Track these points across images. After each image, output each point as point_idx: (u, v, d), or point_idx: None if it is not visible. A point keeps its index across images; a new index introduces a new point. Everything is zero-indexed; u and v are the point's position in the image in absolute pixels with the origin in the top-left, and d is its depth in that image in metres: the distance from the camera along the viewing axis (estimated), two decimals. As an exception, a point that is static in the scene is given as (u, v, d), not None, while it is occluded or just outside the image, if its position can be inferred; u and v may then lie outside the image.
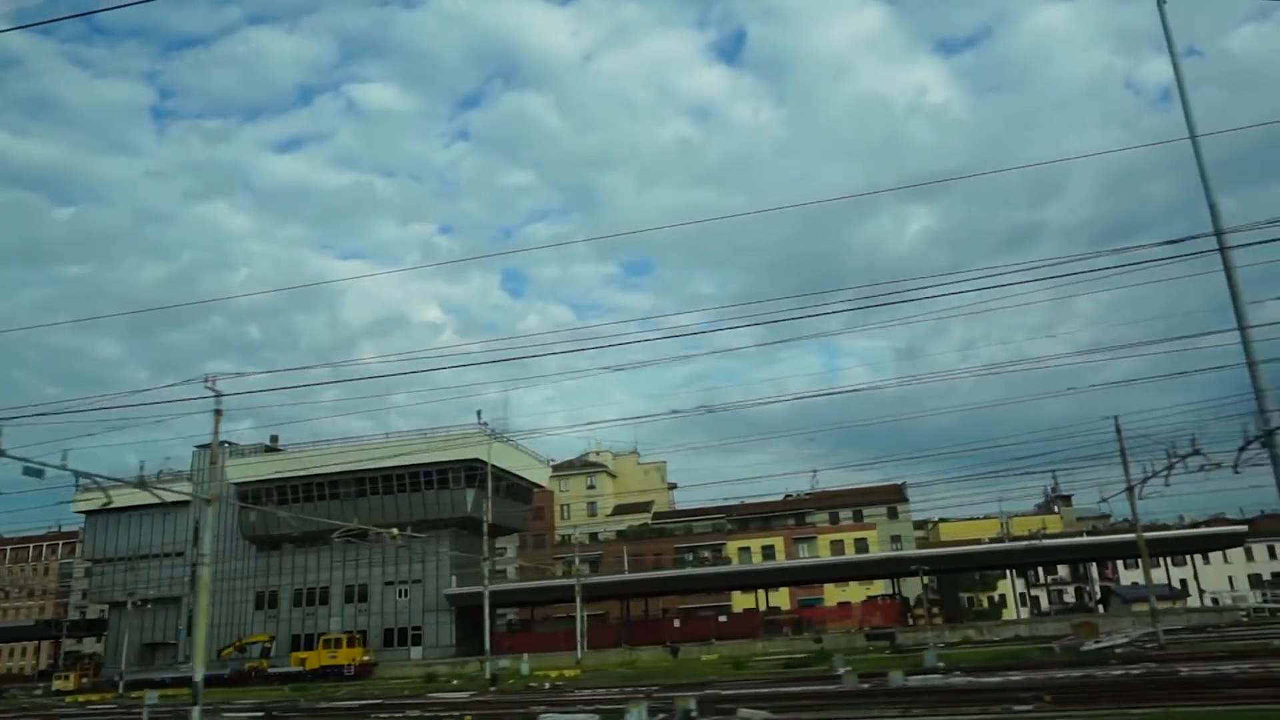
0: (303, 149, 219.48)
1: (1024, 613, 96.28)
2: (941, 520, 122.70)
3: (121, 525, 71.07)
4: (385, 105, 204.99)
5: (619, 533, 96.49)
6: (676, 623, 59.51)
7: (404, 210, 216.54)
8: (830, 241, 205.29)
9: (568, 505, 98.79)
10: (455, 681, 44.97)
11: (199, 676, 22.59)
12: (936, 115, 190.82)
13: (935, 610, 58.19)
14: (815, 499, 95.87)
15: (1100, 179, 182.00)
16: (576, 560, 66.62)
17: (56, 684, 66.90)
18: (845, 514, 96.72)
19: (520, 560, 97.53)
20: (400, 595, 64.75)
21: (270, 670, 59.65)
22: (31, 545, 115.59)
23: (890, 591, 66.32)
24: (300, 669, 58.56)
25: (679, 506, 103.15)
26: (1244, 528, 59.33)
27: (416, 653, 62.41)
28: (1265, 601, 56.99)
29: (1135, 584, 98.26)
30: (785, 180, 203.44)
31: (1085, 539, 61.44)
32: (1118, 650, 32.62)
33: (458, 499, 63.31)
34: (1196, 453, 25.05)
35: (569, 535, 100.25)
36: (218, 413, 24.66)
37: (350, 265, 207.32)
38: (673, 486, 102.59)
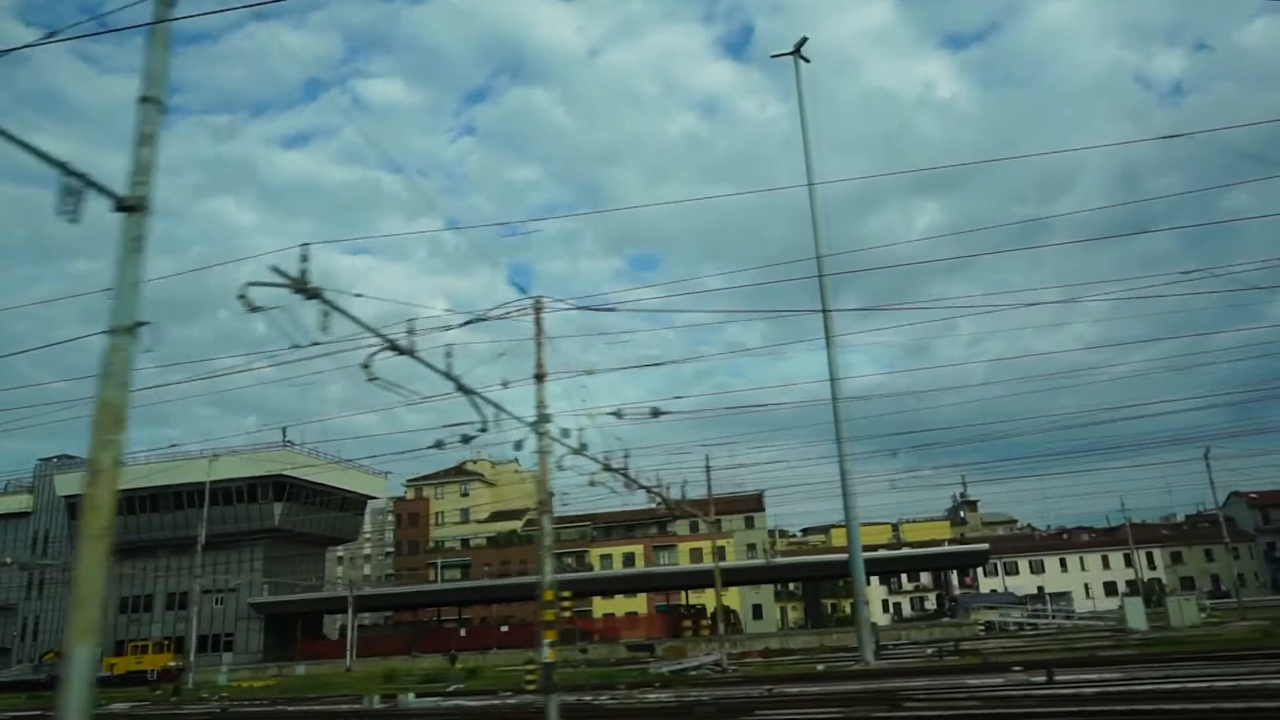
0: (309, 144, 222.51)
1: (885, 619, 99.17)
2: (834, 526, 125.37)
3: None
4: (392, 100, 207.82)
5: (489, 539, 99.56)
6: (463, 632, 62.53)
7: (411, 205, 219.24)
8: (837, 236, 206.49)
9: (442, 513, 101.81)
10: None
11: None
12: (944, 110, 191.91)
13: (704, 623, 60.90)
14: (678, 508, 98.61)
15: (1109, 174, 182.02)
16: (368, 570, 69.40)
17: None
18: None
19: (400, 565, 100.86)
20: (216, 603, 67.95)
21: (84, 675, 62.87)
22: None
23: (684, 604, 69.05)
24: (109, 674, 61.73)
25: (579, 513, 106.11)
26: (985, 546, 61.75)
27: (228, 658, 65.57)
28: (1029, 615, 59.20)
29: (994, 591, 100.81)
30: (793, 174, 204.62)
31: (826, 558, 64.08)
32: (691, 673, 35.31)
33: (266, 512, 66.42)
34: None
35: (441, 542, 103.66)
36: None
37: (358, 261, 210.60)
38: (550, 495, 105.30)
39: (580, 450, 21.64)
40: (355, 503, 76.54)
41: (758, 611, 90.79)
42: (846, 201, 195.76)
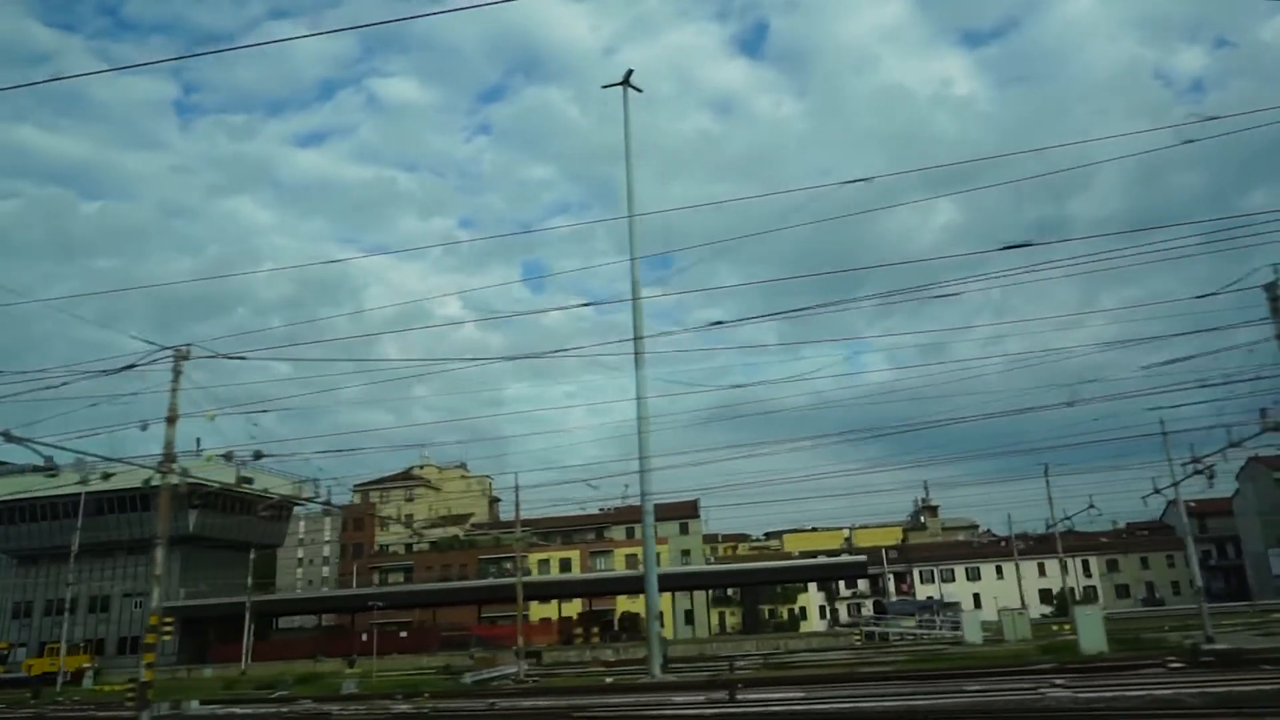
0: (325, 143, 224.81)
1: (822, 625, 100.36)
2: (788, 531, 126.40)
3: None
4: (406, 99, 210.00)
5: (432, 544, 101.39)
6: (364, 636, 64.23)
7: (426, 204, 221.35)
8: (853, 235, 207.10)
9: (388, 518, 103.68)
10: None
11: None
12: (961, 107, 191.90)
13: (595, 630, 62.34)
14: (623, 514, 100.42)
15: (1128, 171, 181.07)
16: (305, 576, 71.23)
17: None
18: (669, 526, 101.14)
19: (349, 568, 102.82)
20: (135, 606, 70.04)
21: (4, 676, 65.15)
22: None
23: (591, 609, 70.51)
24: (26, 674, 63.97)
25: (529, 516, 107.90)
26: (863, 558, 62.86)
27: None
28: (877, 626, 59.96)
29: (930, 598, 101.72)
30: (807, 173, 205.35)
31: (737, 566, 65.28)
32: (493, 682, 36.83)
33: (181, 519, 68.34)
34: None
35: (386, 546, 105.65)
36: None
37: (373, 259, 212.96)
38: (496, 500, 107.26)
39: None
40: (279, 509, 78.25)
41: (689, 617, 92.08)
42: (861, 200, 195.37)
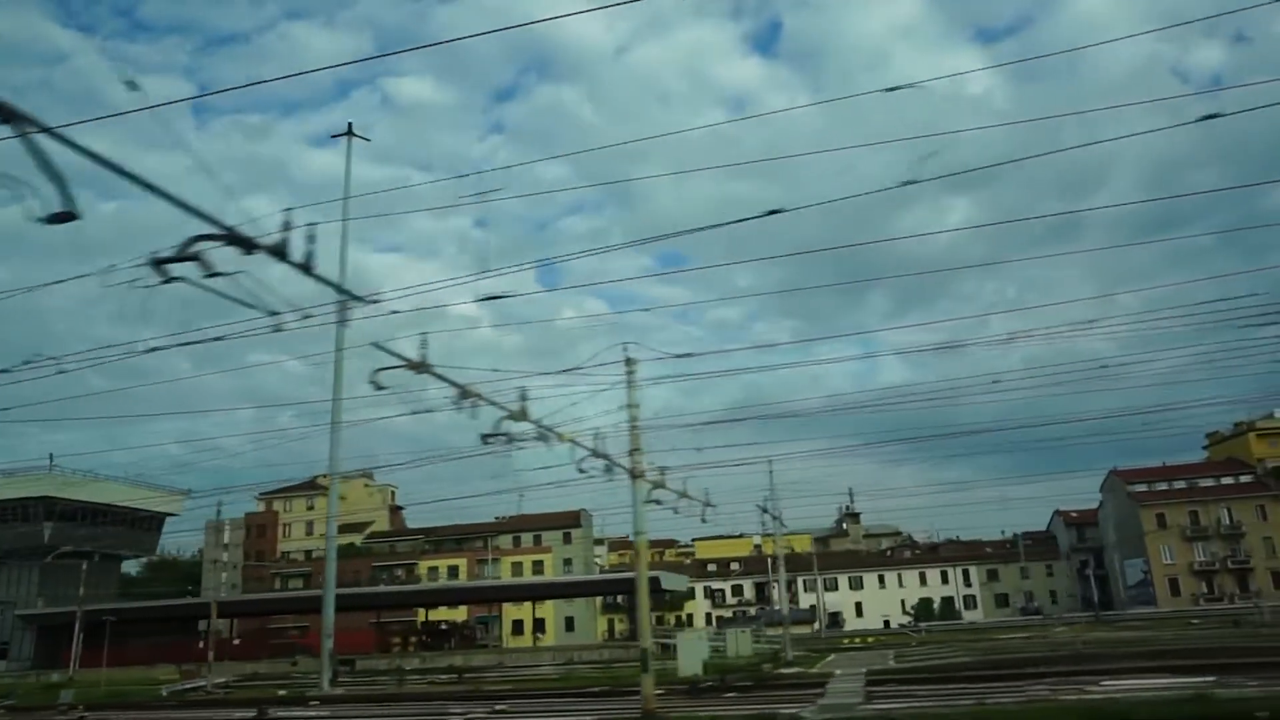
0: (340, 142, 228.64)
1: (709, 630, 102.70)
2: (698, 540, 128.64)
3: None
4: (421, 99, 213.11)
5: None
6: (200, 644, 67.27)
7: (439, 203, 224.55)
8: (868, 233, 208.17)
9: (289, 525, 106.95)
10: None
11: None
12: (976, 105, 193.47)
13: (413, 639, 65.00)
14: (510, 523, 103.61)
15: (1143, 169, 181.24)
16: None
17: None
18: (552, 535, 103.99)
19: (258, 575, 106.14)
20: (-2, 615, 73.53)
21: None
22: None
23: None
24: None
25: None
26: (655, 574, 65.15)
27: (2, 665, 71.04)
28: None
29: (811, 606, 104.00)
30: (822, 171, 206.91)
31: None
32: (191, 694, 39.60)
33: (36, 531, 71.79)
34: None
35: (288, 553, 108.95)
36: None
37: (387, 259, 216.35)
38: (399, 508, 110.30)
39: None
40: (149, 520, 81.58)
41: (570, 624, 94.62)
42: (875, 199, 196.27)
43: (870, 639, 61.95)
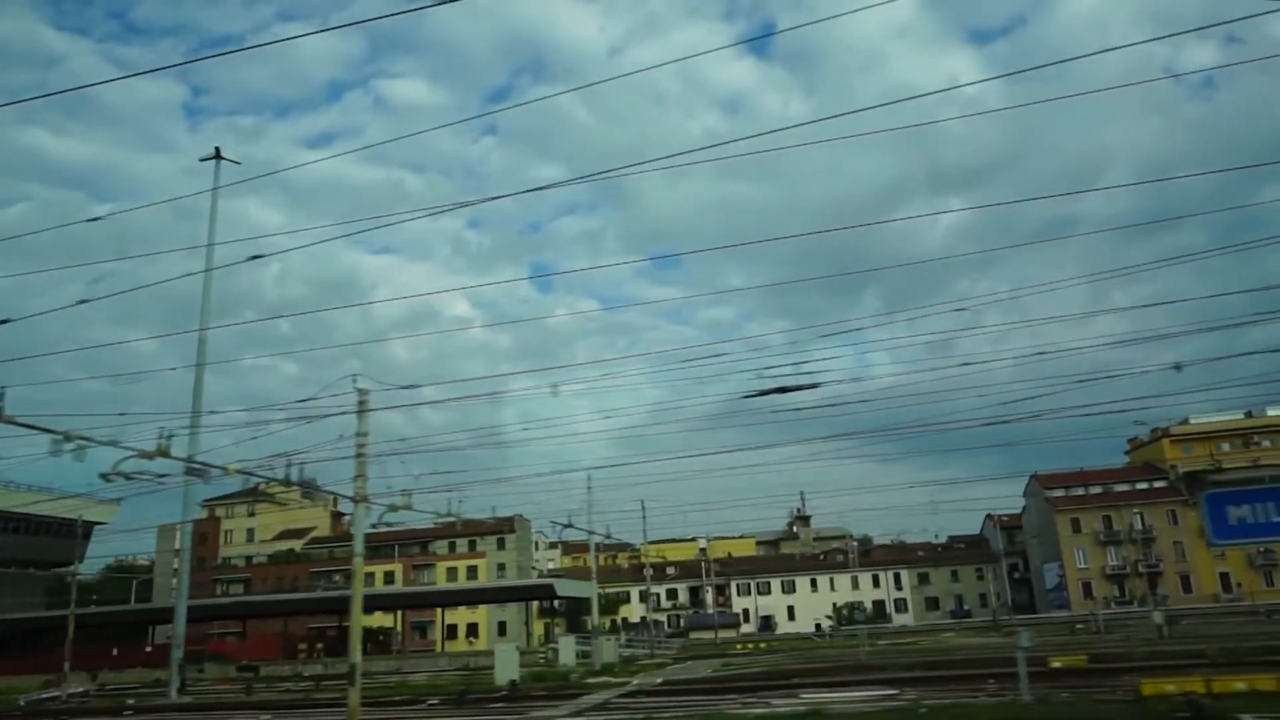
0: (333, 145, 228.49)
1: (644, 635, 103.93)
2: (654, 543, 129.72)
3: None
4: (414, 100, 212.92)
5: (270, 557, 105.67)
6: (114, 651, 68.27)
7: (433, 205, 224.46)
8: (861, 232, 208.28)
9: (230, 532, 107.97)
10: None
11: None
12: (969, 105, 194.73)
13: (319, 645, 66.05)
14: (446, 529, 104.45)
15: (1137, 169, 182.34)
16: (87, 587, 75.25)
17: None
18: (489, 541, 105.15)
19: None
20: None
21: None
22: None
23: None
24: None
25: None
26: (550, 582, 66.69)
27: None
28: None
29: (744, 610, 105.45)
30: (815, 171, 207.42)
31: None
32: (48, 703, 40.66)
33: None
34: None
35: (229, 559, 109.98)
36: None
37: (381, 260, 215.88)
38: (340, 514, 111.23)
39: None
40: (75, 528, 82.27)
41: (502, 629, 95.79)
42: (869, 198, 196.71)
43: (764, 644, 63.24)
